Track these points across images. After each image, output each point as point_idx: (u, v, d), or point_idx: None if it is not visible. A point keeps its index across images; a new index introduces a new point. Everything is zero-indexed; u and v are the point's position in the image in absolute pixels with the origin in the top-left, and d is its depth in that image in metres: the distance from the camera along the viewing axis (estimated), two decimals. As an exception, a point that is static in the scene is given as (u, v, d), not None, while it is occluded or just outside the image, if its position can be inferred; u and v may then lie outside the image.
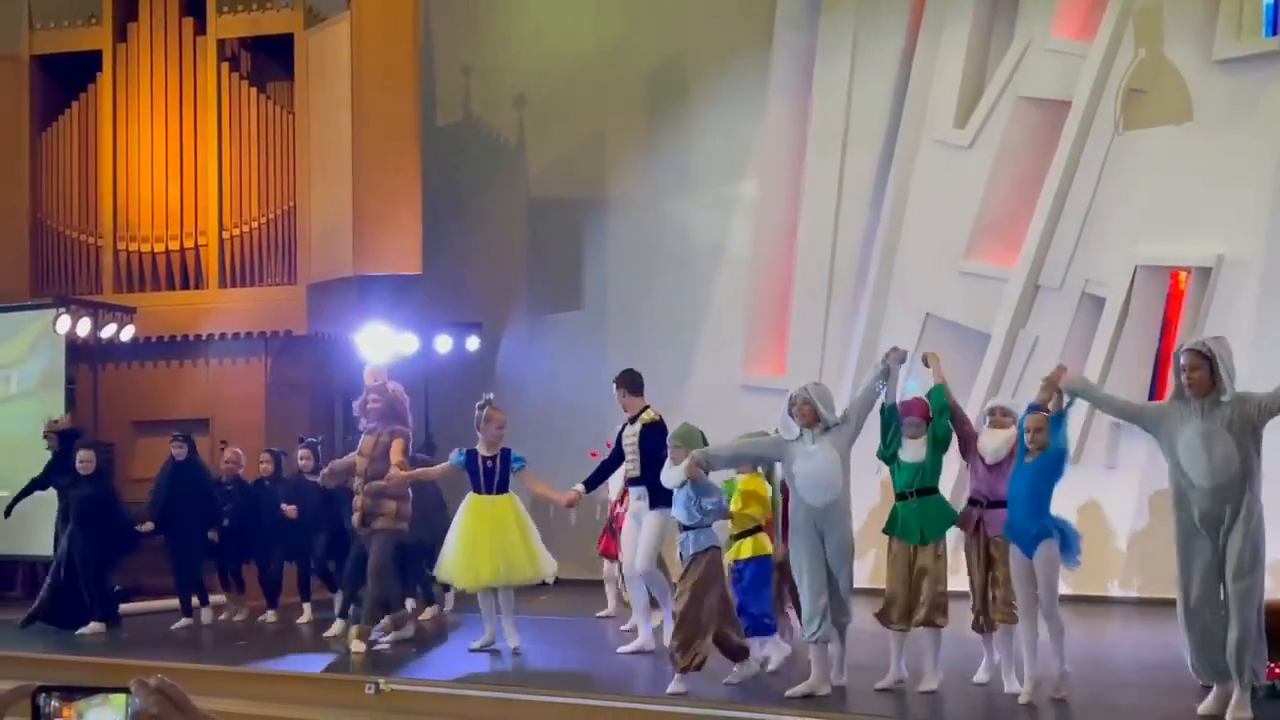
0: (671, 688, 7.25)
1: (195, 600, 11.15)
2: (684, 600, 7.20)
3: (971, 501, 7.38)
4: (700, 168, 14.39)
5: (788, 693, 7.07)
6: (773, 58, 13.98)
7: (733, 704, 7.13)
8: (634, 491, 8.87)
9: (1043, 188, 12.32)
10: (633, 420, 8.81)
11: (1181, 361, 6.26)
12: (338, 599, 10.92)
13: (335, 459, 10.28)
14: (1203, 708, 6.27)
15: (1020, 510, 6.77)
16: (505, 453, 9.04)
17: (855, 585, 7.37)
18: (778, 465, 7.98)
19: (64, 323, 12.68)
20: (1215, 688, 6.26)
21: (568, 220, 15.31)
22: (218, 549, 11.24)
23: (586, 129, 15.13)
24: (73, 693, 1.99)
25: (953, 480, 9.39)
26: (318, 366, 14.22)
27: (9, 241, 14.41)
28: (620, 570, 10.19)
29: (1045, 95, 12.50)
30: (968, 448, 7.44)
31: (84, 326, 12.82)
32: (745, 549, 7.63)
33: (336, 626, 10.10)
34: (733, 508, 7.59)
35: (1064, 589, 7.38)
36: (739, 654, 7.44)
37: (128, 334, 13.35)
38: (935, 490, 7.30)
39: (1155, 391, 11.35)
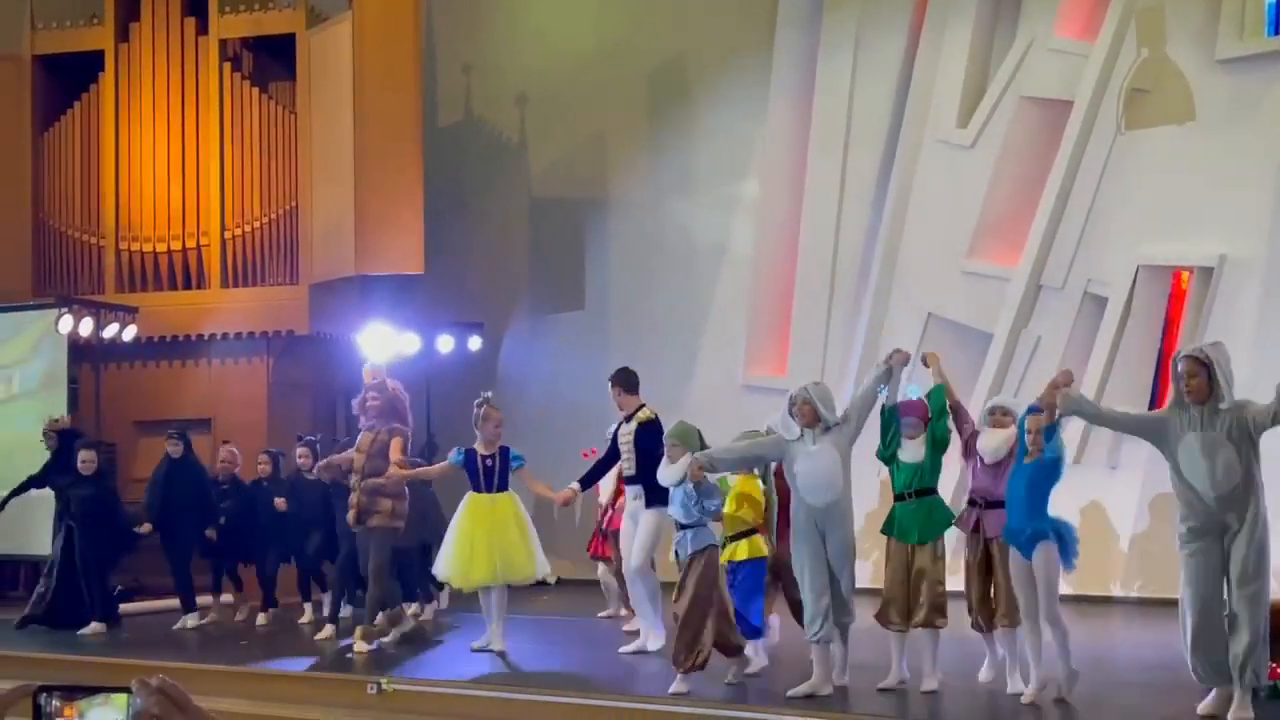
0: (674, 687, 7.25)
1: (187, 600, 11.04)
2: (686, 600, 7.19)
3: (970, 502, 7.36)
4: (702, 167, 14.39)
5: (789, 692, 7.07)
6: (775, 57, 13.97)
7: (734, 704, 7.14)
8: (630, 490, 8.86)
9: (1045, 187, 12.32)
10: (628, 419, 8.78)
11: (1179, 369, 6.25)
12: (326, 600, 10.91)
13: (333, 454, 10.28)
14: (1202, 708, 6.27)
15: (1018, 511, 6.76)
16: (504, 451, 9.03)
17: (857, 585, 7.37)
18: (772, 466, 8.00)
19: (66, 323, 12.68)
20: (1215, 689, 6.25)
21: (569, 220, 15.31)
22: (214, 549, 11.21)
23: (588, 128, 15.13)
24: (74, 692, 1.99)
25: (953, 481, 9.39)
26: (320, 366, 14.22)
27: (11, 242, 14.42)
28: (619, 571, 10.18)
29: (1047, 95, 12.49)
30: (970, 448, 7.43)
31: (86, 326, 12.82)
32: (741, 551, 7.61)
33: (328, 630, 10.08)
34: (725, 509, 7.57)
35: (1065, 589, 7.37)
36: (735, 652, 7.45)
37: (130, 334, 13.35)
38: (934, 491, 7.29)
39: (1157, 391, 11.35)
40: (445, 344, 13.96)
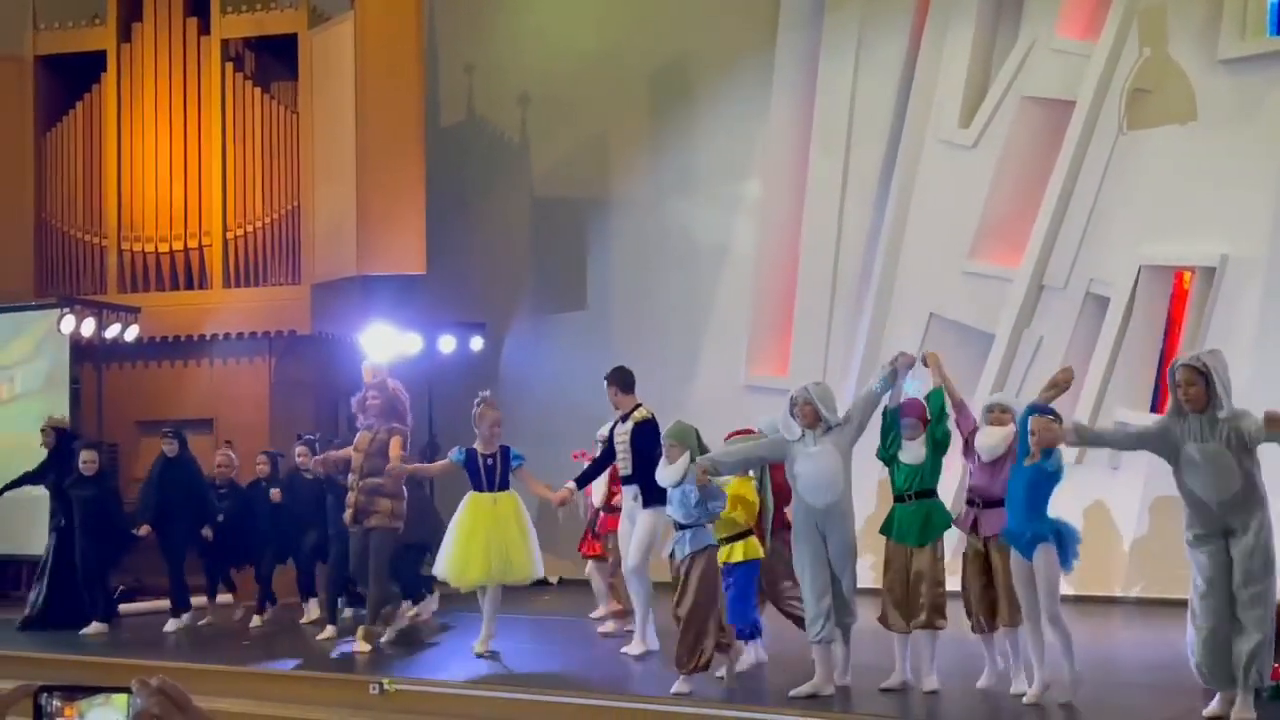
0: (676, 687, 7.25)
1: (177, 601, 11.01)
2: (689, 601, 7.18)
3: (969, 501, 7.35)
4: (704, 167, 14.38)
5: (792, 693, 7.08)
6: (776, 57, 13.96)
7: (736, 704, 7.14)
8: (627, 491, 8.84)
9: (1047, 187, 12.30)
10: (624, 418, 8.74)
11: (1177, 378, 6.24)
12: (310, 606, 10.89)
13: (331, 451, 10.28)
14: (1208, 711, 6.26)
15: (1018, 513, 6.75)
16: (505, 451, 9.02)
17: (859, 585, 7.36)
18: (768, 470, 8.00)
19: (68, 323, 12.68)
20: (1220, 693, 6.25)
21: (571, 220, 15.31)
22: (209, 550, 11.18)
23: (590, 128, 15.13)
24: (74, 692, 1.99)
25: (955, 481, 9.38)
26: (322, 366, 14.22)
27: (14, 242, 14.43)
28: (613, 570, 10.19)
29: (1049, 95, 12.48)
30: (970, 446, 7.42)
31: (88, 326, 12.82)
32: (736, 553, 7.59)
33: (329, 630, 10.07)
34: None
35: (1067, 589, 7.38)
36: (724, 649, 7.45)
37: (132, 334, 13.35)
38: (933, 493, 7.28)
39: (1159, 392, 11.34)
40: (447, 344, 13.96)
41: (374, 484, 9.27)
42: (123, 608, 11.52)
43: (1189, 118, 11.72)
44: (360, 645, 9.22)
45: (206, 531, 11.01)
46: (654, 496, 8.06)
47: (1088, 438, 6.83)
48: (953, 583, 7.36)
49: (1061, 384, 6.80)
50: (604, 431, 9.50)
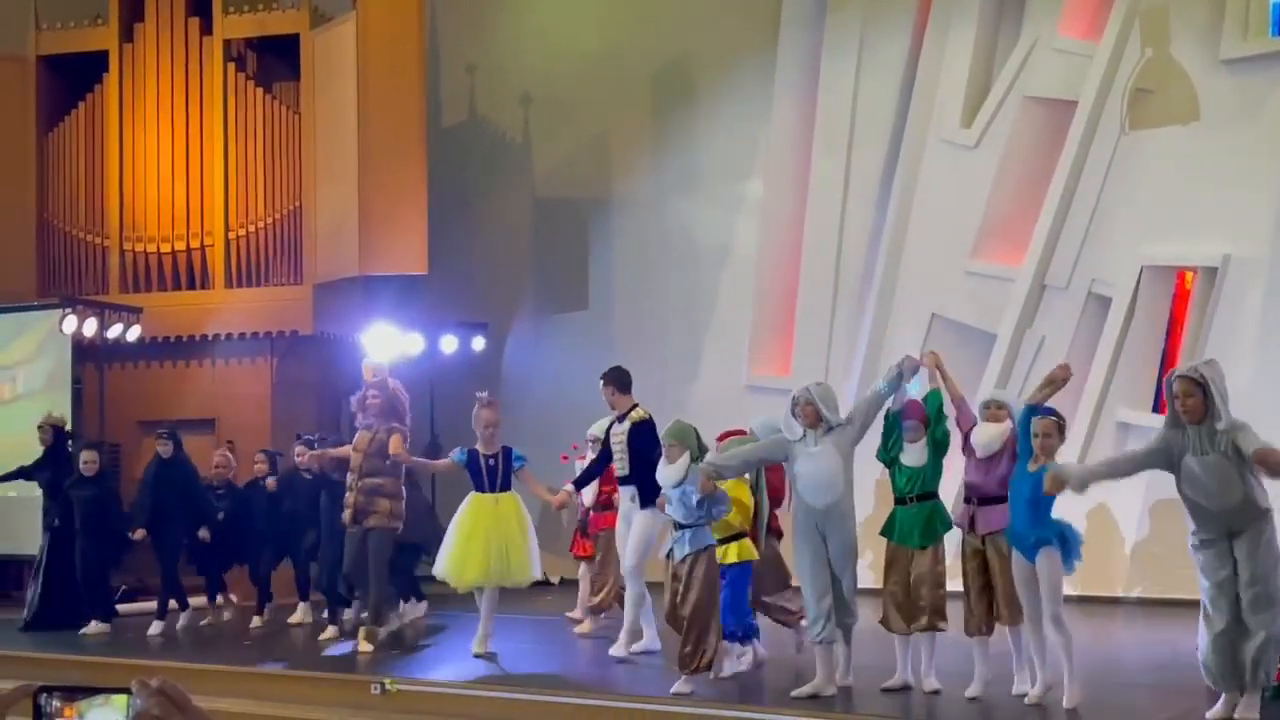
0: (676, 687, 7.24)
1: (174, 603, 10.97)
2: (692, 602, 7.17)
3: (965, 498, 7.32)
4: (706, 167, 14.38)
5: (793, 693, 7.08)
6: (778, 57, 13.96)
7: (737, 704, 7.13)
8: (624, 491, 8.82)
9: (1049, 187, 12.30)
10: (621, 419, 8.72)
11: (1175, 389, 6.21)
12: (302, 609, 10.88)
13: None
14: (1211, 714, 6.25)
15: (1022, 516, 6.71)
16: (507, 451, 9.01)
17: (859, 586, 7.36)
18: (763, 473, 8.00)
19: (70, 323, 12.68)
20: (1224, 695, 6.24)
21: (573, 220, 15.31)
22: (205, 551, 11.16)
23: (592, 128, 15.13)
24: (74, 693, 1.99)
25: (956, 483, 9.36)
26: (323, 366, 14.23)
27: (15, 242, 14.44)
28: (600, 570, 10.18)
29: (1051, 95, 12.48)
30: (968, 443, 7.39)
31: (90, 327, 12.82)
32: (730, 554, 7.58)
33: (331, 630, 10.06)
34: None
35: (1069, 590, 7.35)
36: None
37: (134, 334, 13.36)
38: (935, 495, 7.26)
39: (1161, 392, 11.32)
40: (449, 344, 13.97)
41: (373, 484, 9.26)
42: (122, 608, 11.51)
43: (1191, 118, 11.71)
44: (362, 645, 9.21)
45: (204, 533, 10.97)
46: (651, 497, 8.04)
47: (1090, 480, 6.74)
48: (954, 584, 7.35)
49: (1058, 381, 6.75)
50: (594, 431, 9.49)
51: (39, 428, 11.38)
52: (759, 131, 14.04)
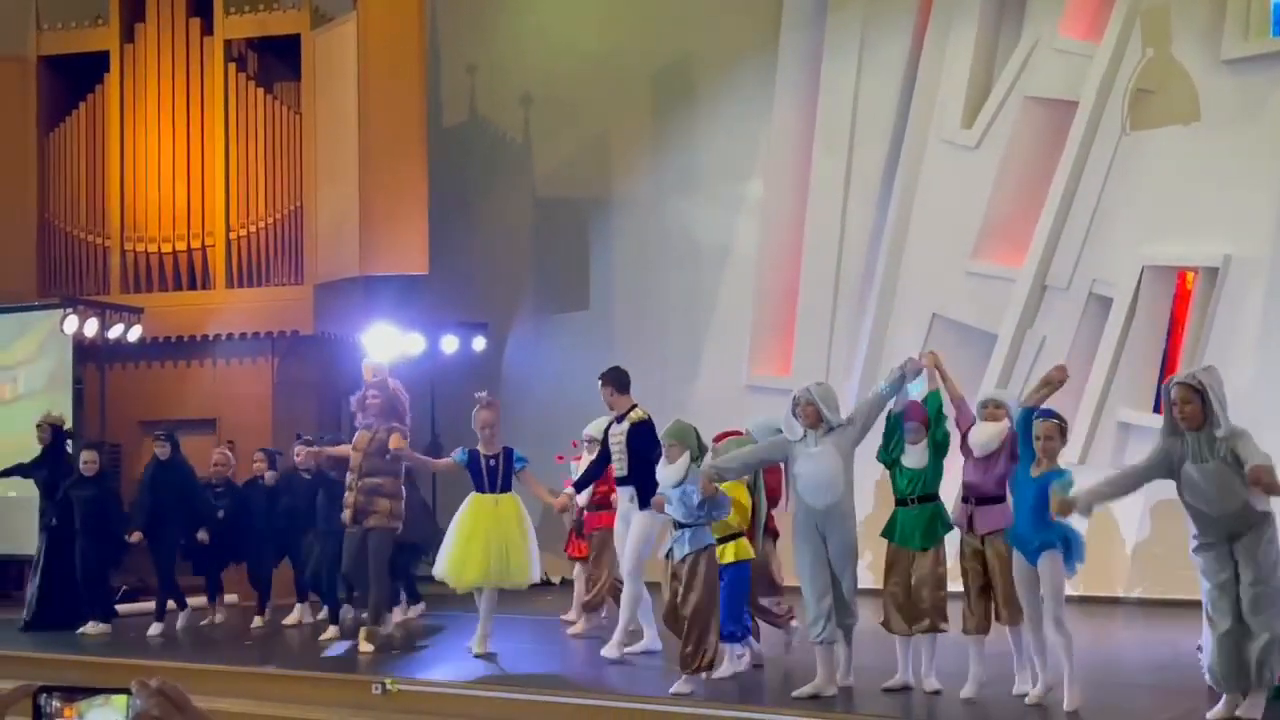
0: (676, 688, 7.24)
1: (172, 604, 10.96)
2: (693, 601, 7.17)
3: (963, 498, 7.31)
4: (706, 167, 14.38)
5: (794, 693, 7.07)
6: (779, 57, 13.96)
7: (737, 704, 7.13)
8: (622, 492, 8.82)
9: (1050, 188, 12.30)
10: (620, 419, 8.71)
11: (1173, 396, 6.21)
12: (299, 610, 10.87)
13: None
14: (1212, 714, 6.25)
15: (1025, 520, 6.69)
16: (508, 452, 9.01)
17: (859, 586, 7.35)
18: (761, 474, 8.00)
19: (71, 323, 12.68)
20: (1226, 695, 6.24)
21: (574, 220, 15.32)
22: (202, 551, 11.14)
23: (593, 129, 15.13)
24: (74, 693, 1.99)
25: (956, 484, 9.35)
26: (324, 366, 14.23)
27: (16, 242, 14.44)
28: (595, 570, 10.17)
29: (1052, 95, 12.48)
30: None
31: (91, 327, 12.82)
32: (728, 554, 7.57)
33: (331, 630, 10.06)
34: None
35: (1071, 590, 7.35)
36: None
37: (135, 334, 13.36)
38: (936, 497, 7.25)
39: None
40: (450, 344, 13.98)
41: (373, 484, 9.25)
42: (122, 608, 11.50)
43: (1192, 118, 11.71)
44: (363, 645, 9.21)
45: (203, 534, 10.96)
46: (650, 497, 8.04)
47: (1095, 502, 6.71)
48: (954, 584, 7.34)
49: (1055, 382, 6.72)
50: (590, 430, 9.48)
51: (38, 426, 11.38)
52: (759, 131, 14.04)
